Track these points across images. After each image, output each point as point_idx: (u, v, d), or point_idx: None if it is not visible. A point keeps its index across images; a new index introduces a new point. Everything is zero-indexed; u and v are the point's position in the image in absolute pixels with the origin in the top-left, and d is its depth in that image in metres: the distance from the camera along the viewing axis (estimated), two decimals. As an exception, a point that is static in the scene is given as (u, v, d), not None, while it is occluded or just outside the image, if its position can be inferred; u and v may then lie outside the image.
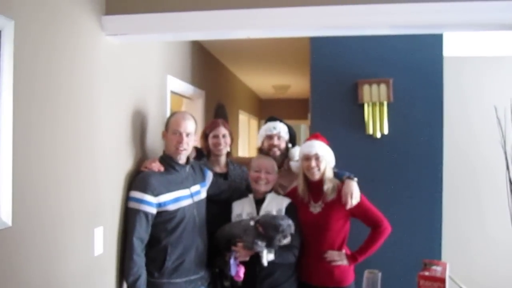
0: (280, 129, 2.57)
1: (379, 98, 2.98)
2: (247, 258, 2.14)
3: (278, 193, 2.38)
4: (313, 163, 2.23)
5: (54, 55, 1.56)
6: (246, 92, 7.07)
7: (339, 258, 2.22)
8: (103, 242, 1.90)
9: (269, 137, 2.57)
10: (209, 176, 2.36)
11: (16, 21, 1.34)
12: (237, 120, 6.21)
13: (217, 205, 2.36)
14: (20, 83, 1.36)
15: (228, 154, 2.66)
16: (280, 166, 2.52)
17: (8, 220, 1.32)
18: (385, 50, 3.02)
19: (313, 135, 2.40)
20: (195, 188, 2.23)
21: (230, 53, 4.58)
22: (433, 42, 2.97)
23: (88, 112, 1.79)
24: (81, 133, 1.74)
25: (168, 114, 2.67)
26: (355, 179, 2.26)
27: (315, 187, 2.28)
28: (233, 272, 2.10)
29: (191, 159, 2.31)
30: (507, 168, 2.92)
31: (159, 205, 2.05)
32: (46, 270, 1.54)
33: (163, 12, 1.84)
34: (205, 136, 2.63)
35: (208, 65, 4.36)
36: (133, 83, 2.23)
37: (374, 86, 2.99)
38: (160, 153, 2.27)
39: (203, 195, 2.28)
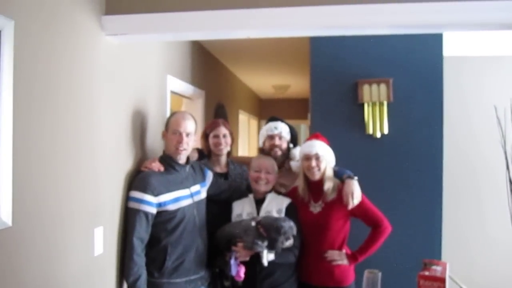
0: (282, 129, 2.56)
1: (379, 98, 2.98)
2: (247, 258, 2.14)
3: (278, 193, 2.37)
4: (313, 163, 2.23)
5: (54, 55, 1.56)
6: (246, 92, 7.07)
7: (339, 258, 2.22)
8: (103, 242, 1.90)
9: (271, 137, 2.56)
10: (209, 176, 2.36)
11: (16, 21, 1.34)
12: (237, 120, 6.21)
13: (217, 205, 2.36)
14: (20, 83, 1.36)
15: (229, 154, 2.66)
16: (281, 166, 2.51)
17: (8, 220, 1.32)
18: (385, 50, 3.02)
19: (313, 135, 2.40)
20: (195, 188, 2.23)
21: (230, 53, 4.58)
22: (433, 42, 2.97)
23: (88, 112, 1.79)
24: (81, 133, 1.74)
25: (168, 114, 2.67)
26: (355, 178, 2.26)
27: (315, 187, 2.28)
28: (233, 272, 2.10)
29: (191, 160, 2.31)
30: (507, 168, 2.92)
31: (159, 205, 2.05)
32: (46, 270, 1.54)
33: (163, 12, 1.84)
34: (205, 136, 2.63)
35: (208, 65, 4.36)
36: (133, 83, 2.23)
37: (374, 86, 2.99)
38: (160, 153, 2.27)
39: (203, 195, 2.28)
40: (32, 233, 1.45)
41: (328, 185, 2.25)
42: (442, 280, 1.88)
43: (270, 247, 2.06)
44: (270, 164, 2.35)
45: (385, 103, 2.98)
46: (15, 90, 1.33)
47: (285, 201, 2.30)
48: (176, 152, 2.15)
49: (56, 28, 1.57)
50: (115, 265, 2.02)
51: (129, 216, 2.03)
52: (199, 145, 2.69)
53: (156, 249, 2.07)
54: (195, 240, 2.16)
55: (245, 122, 7.15)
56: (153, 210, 2.03)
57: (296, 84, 6.52)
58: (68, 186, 1.66)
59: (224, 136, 2.57)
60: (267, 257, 2.09)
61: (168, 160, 2.17)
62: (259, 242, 2.06)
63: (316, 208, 2.26)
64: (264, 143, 2.62)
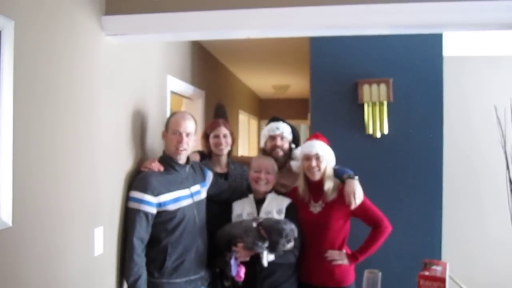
0: (283, 129, 2.55)
1: (379, 98, 2.99)
2: (247, 259, 2.14)
3: (278, 193, 2.37)
4: (314, 163, 2.23)
5: (54, 55, 1.56)
6: (246, 92, 7.07)
7: (339, 258, 2.22)
8: (103, 242, 1.90)
9: (272, 137, 2.54)
10: (209, 176, 2.36)
11: (16, 21, 1.34)
12: (237, 120, 6.21)
13: (218, 205, 2.36)
14: (20, 83, 1.36)
15: (229, 154, 2.66)
16: (282, 167, 2.50)
17: (8, 220, 1.32)
18: (385, 50, 3.02)
19: (313, 135, 2.40)
20: (195, 188, 2.23)
21: (230, 53, 4.58)
22: (433, 42, 2.97)
23: (88, 112, 1.79)
24: (81, 133, 1.74)
25: (168, 114, 2.67)
26: (356, 177, 2.26)
27: (315, 187, 2.28)
28: (233, 272, 2.10)
29: (191, 160, 2.31)
30: (507, 168, 2.92)
31: (159, 205, 2.05)
32: (46, 270, 1.54)
33: (163, 12, 1.84)
34: (206, 136, 2.63)
35: (208, 65, 4.36)
36: (133, 83, 2.23)
37: (374, 86, 2.99)
38: (160, 153, 2.27)
39: (203, 195, 2.28)
40: (32, 233, 1.45)
41: (328, 185, 2.25)
42: (442, 280, 1.88)
43: (272, 250, 2.06)
44: (270, 164, 2.35)
45: (385, 103, 2.98)
46: (15, 90, 1.33)
47: (285, 201, 2.30)
48: (176, 152, 2.15)
49: (56, 28, 1.57)
50: (115, 265, 2.02)
51: (129, 216, 2.03)
52: (199, 145, 2.69)
53: (156, 249, 2.07)
54: (195, 240, 2.16)
55: (245, 122, 7.15)
56: (153, 210, 2.03)
57: (296, 84, 6.52)
58: (68, 186, 1.66)
59: (225, 136, 2.57)
60: (267, 257, 2.09)
61: (168, 160, 2.17)
62: (260, 243, 2.06)
63: (316, 208, 2.27)
64: (265, 143, 2.60)
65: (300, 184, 2.31)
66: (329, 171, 2.28)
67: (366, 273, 2.04)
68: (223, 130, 2.57)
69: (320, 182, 2.26)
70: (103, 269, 1.94)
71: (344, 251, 2.26)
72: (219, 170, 2.56)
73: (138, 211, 2.00)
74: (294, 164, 2.45)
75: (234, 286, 2.19)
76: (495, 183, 3.07)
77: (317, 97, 3.13)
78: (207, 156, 2.64)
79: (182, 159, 2.19)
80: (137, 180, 2.08)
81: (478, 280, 2.99)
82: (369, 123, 3.01)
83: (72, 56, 1.67)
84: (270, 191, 2.33)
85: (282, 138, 2.53)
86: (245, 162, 2.63)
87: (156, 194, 2.03)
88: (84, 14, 1.75)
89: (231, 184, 2.49)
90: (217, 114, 4.58)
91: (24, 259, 1.42)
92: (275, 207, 2.27)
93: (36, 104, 1.46)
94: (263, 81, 6.62)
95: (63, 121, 1.61)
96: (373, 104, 3.00)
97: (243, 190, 2.40)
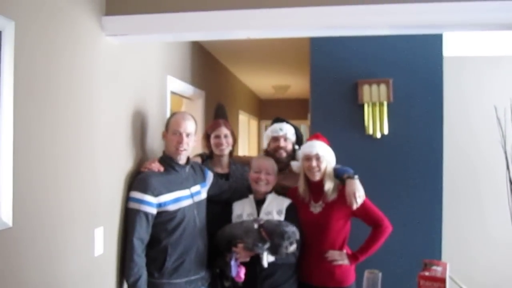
0: (287, 130, 2.53)
1: (379, 98, 2.98)
2: (247, 259, 2.14)
3: (278, 193, 2.37)
4: (314, 163, 2.23)
5: (54, 56, 1.56)
6: (246, 93, 7.07)
7: (340, 258, 2.22)
8: (103, 242, 1.90)
9: (275, 138, 2.53)
10: (210, 176, 2.36)
11: (17, 21, 1.34)
12: (237, 120, 6.21)
13: (218, 205, 2.36)
14: (20, 84, 1.36)
15: (231, 154, 2.65)
16: (286, 168, 2.48)
17: (8, 220, 1.32)
18: (385, 50, 3.02)
19: (314, 135, 2.40)
20: (195, 188, 2.23)
21: (230, 53, 4.58)
22: (433, 42, 2.97)
23: (88, 112, 1.79)
24: (81, 134, 1.74)
25: (168, 114, 2.67)
26: (356, 176, 2.25)
27: (315, 187, 2.28)
28: (233, 273, 2.10)
29: (192, 161, 2.32)
30: (507, 168, 2.92)
31: (159, 205, 2.05)
32: (46, 270, 1.54)
33: (163, 13, 1.84)
34: (207, 137, 2.62)
35: (208, 66, 4.36)
36: (133, 84, 2.23)
37: (374, 86, 2.99)
38: (160, 153, 2.27)
39: (204, 195, 2.28)
40: (32, 234, 1.45)
41: (328, 186, 2.25)
42: (442, 281, 1.87)
43: (274, 253, 2.06)
44: (270, 164, 2.34)
45: (385, 103, 2.98)
46: (16, 91, 1.33)
47: (285, 202, 2.30)
48: (176, 152, 2.15)
49: (57, 28, 1.57)
50: (115, 266, 2.02)
51: (129, 217, 2.03)
52: (199, 145, 2.69)
53: (156, 250, 2.07)
54: (196, 240, 2.16)
55: (245, 122, 7.15)
56: (153, 211, 2.03)
57: (296, 84, 6.52)
58: (69, 187, 1.66)
59: (225, 136, 2.56)
60: (267, 258, 2.09)
61: (168, 161, 2.17)
62: (260, 244, 2.05)
63: (316, 208, 2.26)
64: (268, 144, 2.58)
65: (301, 184, 2.31)
66: (330, 171, 2.27)
67: (366, 274, 2.04)
68: (224, 130, 2.57)
69: (320, 183, 2.26)
70: (103, 270, 1.94)
71: (344, 251, 2.25)
72: (220, 170, 2.56)
73: (138, 211, 2.00)
74: (295, 165, 2.44)
75: (234, 286, 2.19)
76: (495, 183, 3.07)
77: (317, 97, 3.13)
78: (208, 157, 2.64)
79: (182, 160, 2.19)
80: (137, 180, 2.08)
81: (478, 280, 2.99)
82: (369, 123, 3.01)
83: (72, 57, 1.67)
84: (270, 192, 2.33)
85: (285, 139, 2.52)
86: (247, 162, 2.61)
87: (156, 195, 2.03)
88: (84, 14, 1.75)
89: (232, 185, 2.49)
90: (217, 114, 4.55)
91: (24, 259, 1.42)
92: (275, 207, 2.27)
93: (36, 104, 1.46)
94: (263, 82, 6.62)
95: (63, 121, 1.61)
96: (373, 105, 3.00)
97: (244, 190, 2.40)
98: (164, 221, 2.07)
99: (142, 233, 2.00)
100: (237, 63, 5.22)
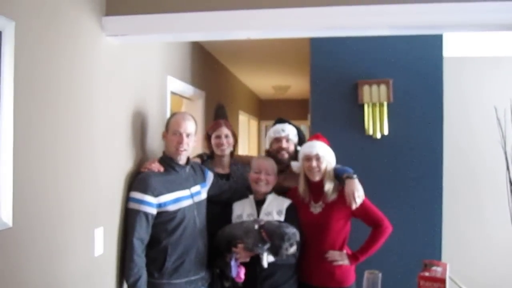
0: (289, 131, 2.51)
1: (379, 98, 2.98)
2: (247, 260, 2.14)
3: (278, 193, 2.37)
4: (314, 163, 2.23)
5: (55, 56, 1.56)
6: (246, 93, 7.08)
7: (340, 258, 2.22)
8: (103, 242, 1.90)
9: (277, 139, 2.51)
10: (210, 176, 2.37)
11: (17, 22, 1.34)
12: (237, 120, 6.21)
13: (218, 206, 2.36)
14: (20, 84, 1.36)
15: (232, 154, 2.64)
16: (286, 169, 2.47)
17: (8, 220, 1.32)
18: (385, 50, 3.02)
19: (314, 136, 2.40)
20: (196, 188, 2.23)
21: (230, 54, 4.58)
22: (433, 43, 2.97)
23: (88, 113, 1.79)
24: (81, 134, 1.74)
25: (168, 114, 2.67)
26: (355, 176, 2.25)
27: (315, 187, 2.28)
28: (233, 273, 2.10)
29: (192, 161, 2.31)
30: (507, 168, 2.92)
31: (159, 205, 2.05)
32: (46, 270, 1.54)
33: (163, 13, 1.85)
34: (208, 137, 2.62)
35: (208, 66, 4.36)
36: (133, 84, 2.23)
37: (374, 87, 2.99)
38: (160, 153, 2.27)
39: (204, 195, 2.28)
40: (32, 234, 1.45)
41: (328, 186, 2.25)
42: (442, 281, 1.87)
43: (274, 254, 2.06)
44: (270, 165, 2.34)
45: (385, 103, 2.98)
46: (16, 91, 1.33)
47: (285, 202, 2.30)
48: (177, 153, 2.15)
49: (57, 29, 1.57)
50: (115, 266, 2.02)
51: (129, 217, 2.03)
52: (199, 145, 2.69)
53: (156, 250, 2.07)
54: (196, 240, 2.16)
55: (245, 122, 7.15)
56: (153, 211, 2.03)
57: (296, 84, 6.52)
58: (69, 187, 1.66)
59: (226, 136, 2.55)
60: (267, 258, 2.09)
61: (168, 161, 2.17)
62: (260, 245, 2.05)
63: (316, 208, 2.26)
64: (270, 145, 2.57)
65: (301, 184, 2.31)
66: (330, 171, 2.27)
67: (366, 274, 2.04)
68: (225, 131, 2.56)
69: (321, 183, 2.26)
70: (103, 270, 1.94)
71: (344, 251, 2.25)
72: (221, 170, 2.56)
73: (138, 211, 2.01)
74: (295, 165, 2.44)
75: (234, 286, 2.19)
76: (495, 184, 3.07)
77: (317, 97, 3.13)
78: (209, 157, 2.64)
79: (182, 160, 2.19)
80: (137, 180, 2.08)
81: (478, 281, 2.99)
82: (369, 124, 3.01)
83: (73, 57, 1.67)
84: (270, 192, 2.33)
85: (287, 140, 2.50)
86: (248, 162, 2.60)
87: (156, 195, 2.03)
88: (85, 14, 1.75)
89: (232, 185, 2.48)
90: (217, 114, 4.57)
91: (24, 259, 1.42)
92: (275, 208, 2.27)
93: (37, 104, 1.46)
94: (263, 82, 6.62)
95: (63, 121, 1.61)
96: (373, 105, 3.00)
97: (244, 191, 2.40)
98: (164, 222, 2.07)
99: (142, 234, 2.00)
100: (237, 64, 5.22)
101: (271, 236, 2.04)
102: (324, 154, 2.25)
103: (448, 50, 3.06)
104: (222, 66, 5.17)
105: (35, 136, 1.46)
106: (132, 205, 2.02)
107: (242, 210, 2.31)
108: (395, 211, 2.49)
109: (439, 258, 2.85)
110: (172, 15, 1.84)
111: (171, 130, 2.16)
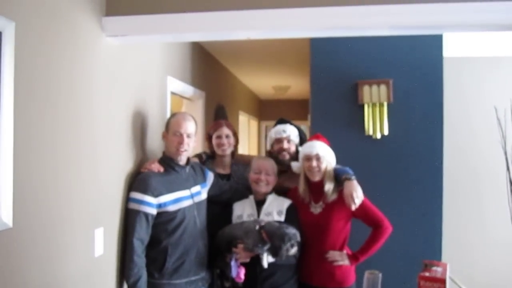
0: (290, 132, 2.50)
1: (379, 98, 2.98)
2: (247, 260, 2.14)
3: (278, 194, 2.37)
4: (314, 163, 2.23)
5: (55, 56, 1.56)
6: (246, 93, 7.08)
7: (340, 258, 2.22)
8: (103, 243, 1.90)
9: (279, 140, 2.50)
10: (210, 177, 2.37)
11: (17, 22, 1.34)
12: (237, 121, 6.21)
13: (218, 206, 2.35)
14: (20, 84, 1.36)
15: (233, 154, 2.64)
16: (287, 170, 2.47)
17: (8, 221, 1.32)
18: (385, 50, 3.02)
19: (314, 136, 2.40)
20: (196, 188, 2.23)
21: (230, 54, 4.58)
22: (433, 43, 2.97)
23: (88, 113, 1.79)
24: (81, 134, 1.74)
25: (168, 115, 2.67)
26: (353, 177, 2.24)
27: (315, 187, 2.28)
28: (233, 273, 2.10)
29: (192, 161, 2.31)
30: (507, 168, 2.92)
31: (159, 206, 2.05)
32: (46, 271, 1.54)
33: (163, 14, 1.85)
34: (209, 137, 2.62)
35: (208, 66, 4.36)
36: (133, 84, 2.23)
37: (374, 87, 2.99)
38: (160, 154, 2.27)
39: (204, 196, 2.28)
40: (32, 234, 1.45)
41: (328, 186, 2.25)
42: (442, 281, 1.87)
43: (274, 255, 2.06)
44: (270, 165, 2.34)
45: (385, 104, 2.98)
46: (16, 92, 1.33)
47: (285, 203, 2.30)
48: (177, 153, 2.15)
49: (57, 29, 1.57)
50: (115, 266, 2.02)
51: (129, 217, 2.03)
52: (199, 146, 2.69)
53: (157, 250, 2.07)
54: (196, 241, 2.16)
55: (245, 123, 7.15)
56: (153, 211, 2.03)
57: (296, 85, 6.52)
58: (69, 187, 1.66)
59: (227, 136, 2.55)
60: (267, 259, 2.09)
61: (168, 161, 2.17)
62: (260, 245, 2.05)
63: (316, 209, 2.26)
64: (272, 146, 2.56)
65: (301, 184, 2.31)
66: (330, 171, 2.27)
67: (366, 274, 2.04)
68: (226, 131, 2.56)
69: (321, 183, 2.26)
70: (103, 270, 1.94)
71: (345, 251, 2.25)
72: (222, 171, 2.55)
73: (138, 212, 2.00)
74: (295, 165, 2.44)
75: (234, 287, 2.19)
76: (495, 184, 3.07)
77: (317, 98, 3.13)
78: (210, 157, 2.63)
79: (182, 160, 2.19)
80: (137, 181, 2.08)
81: (478, 281, 2.99)
82: (369, 124, 3.01)
83: (73, 57, 1.67)
84: (270, 192, 2.33)
85: (288, 141, 2.49)
86: (249, 162, 2.59)
87: (156, 195, 2.03)
88: (85, 15, 1.75)
89: (232, 185, 2.48)
90: (218, 115, 4.58)
91: (25, 260, 1.42)
92: (276, 208, 2.27)
93: (37, 105, 1.46)
94: (263, 82, 6.62)
95: (63, 122, 1.61)
96: (373, 105, 3.00)
97: (244, 191, 2.40)
98: (164, 222, 2.07)
99: (142, 234, 2.00)
100: (237, 64, 5.22)
101: (271, 236, 2.04)
102: (324, 154, 2.25)
103: (448, 50, 3.06)
104: (222, 66, 5.17)
105: (35, 136, 1.46)
106: (132, 206, 2.02)
107: (243, 210, 2.31)
108: (395, 211, 2.49)
109: (439, 258, 2.85)
110: (172, 16, 1.84)
111: (172, 131, 2.16)
